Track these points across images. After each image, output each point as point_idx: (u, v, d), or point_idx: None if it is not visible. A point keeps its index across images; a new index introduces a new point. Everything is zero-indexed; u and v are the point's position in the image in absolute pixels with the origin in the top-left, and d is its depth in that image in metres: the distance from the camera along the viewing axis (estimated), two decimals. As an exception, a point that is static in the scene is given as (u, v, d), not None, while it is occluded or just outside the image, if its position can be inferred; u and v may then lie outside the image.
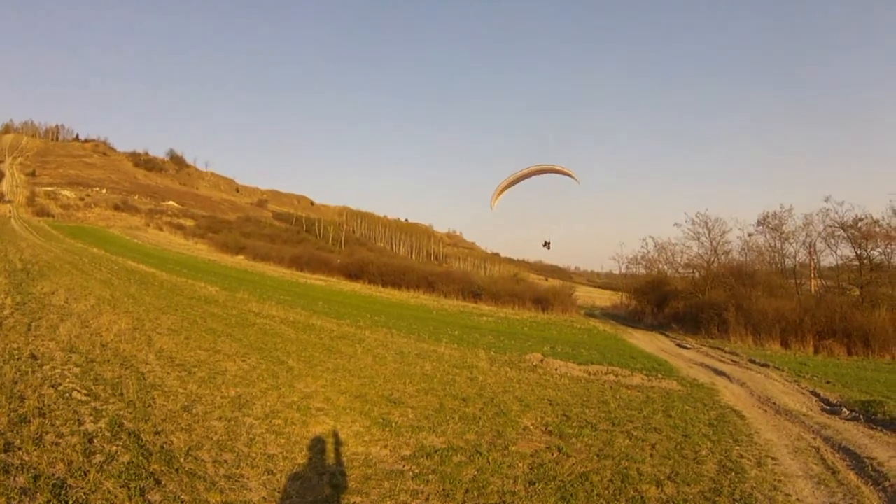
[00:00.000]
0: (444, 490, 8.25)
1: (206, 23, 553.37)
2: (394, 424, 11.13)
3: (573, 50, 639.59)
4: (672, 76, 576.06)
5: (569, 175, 33.44)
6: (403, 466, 9.07)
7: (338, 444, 9.83)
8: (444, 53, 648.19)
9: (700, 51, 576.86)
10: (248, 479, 7.98)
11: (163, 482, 7.36)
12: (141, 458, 7.91)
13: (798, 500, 8.77)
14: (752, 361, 25.35)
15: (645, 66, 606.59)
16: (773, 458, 10.77)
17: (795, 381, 20.26)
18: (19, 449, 7.59)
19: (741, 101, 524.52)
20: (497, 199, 40.00)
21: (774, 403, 16.44)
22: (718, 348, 30.95)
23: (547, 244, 61.35)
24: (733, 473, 9.69)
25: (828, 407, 16.42)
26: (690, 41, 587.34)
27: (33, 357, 12.43)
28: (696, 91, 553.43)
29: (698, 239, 49.03)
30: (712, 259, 47.98)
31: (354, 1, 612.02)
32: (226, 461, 8.41)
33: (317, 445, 9.60)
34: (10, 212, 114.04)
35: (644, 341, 34.54)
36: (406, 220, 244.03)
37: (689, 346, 32.52)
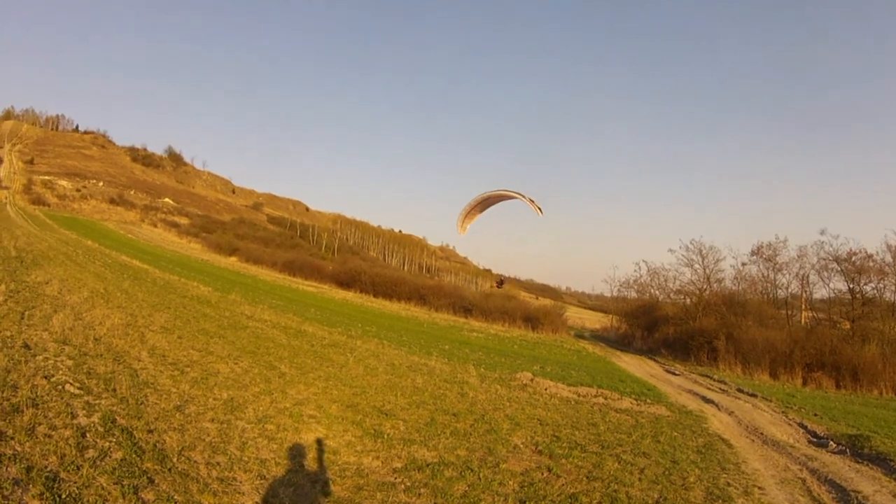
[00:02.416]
0: None
1: (208, 23, 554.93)
2: (385, 436, 11.12)
3: (572, 70, 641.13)
4: (671, 101, 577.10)
5: (532, 206, 33.56)
6: (395, 479, 9.07)
7: (330, 452, 9.81)
8: (444, 67, 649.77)
9: (699, 76, 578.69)
10: (240, 482, 7.98)
11: (156, 481, 7.34)
12: (134, 455, 7.89)
13: (783, 530, 8.75)
14: (741, 391, 25.43)
15: (643, 87, 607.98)
16: (759, 488, 10.81)
17: (783, 413, 20.29)
18: (12, 439, 7.57)
19: (741, 130, 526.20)
20: (463, 224, 40.17)
21: (762, 433, 16.45)
22: (707, 376, 31.00)
23: (500, 282, 61.34)
24: (721, 501, 9.72)
25: (815, 439, 16.47)
26: (689, 65, 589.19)
27: (26, 346, 12.40)
28: (696, 118, 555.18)
29: (691, 266, 49.28)
30: (705, 286, 48.05)
31: (356, 8, 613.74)
32: (218, 463, 8.39)
33: (309, 453, 9.60)
34: (6, 198, 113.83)
35: (633, 365, 34.54)
36: (400, 231, 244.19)
37: (678, 372, 32.51)
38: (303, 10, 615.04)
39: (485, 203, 39.54)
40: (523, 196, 35.08)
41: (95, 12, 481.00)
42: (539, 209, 35.14)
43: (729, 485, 10.78)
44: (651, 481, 10.37)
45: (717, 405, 20.81)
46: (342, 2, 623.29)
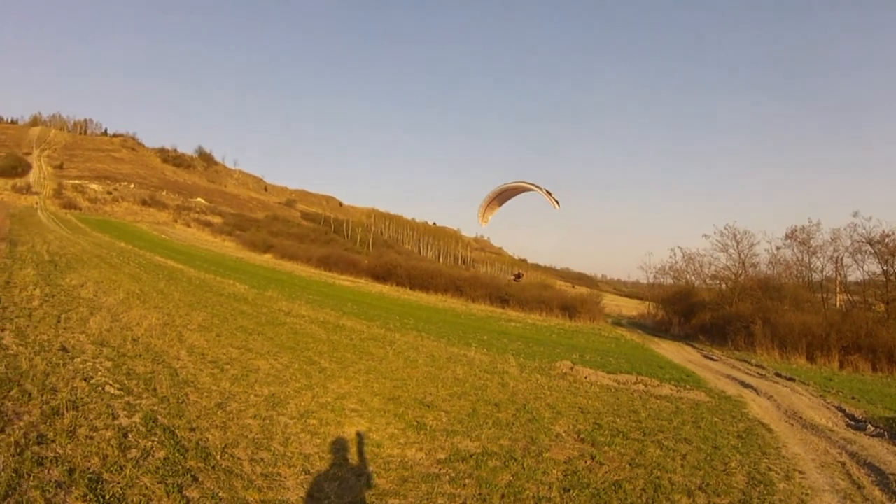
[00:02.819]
0: (480, 494, 8.26)
1: (232, 23, 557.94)
2: (428, 428, 11.13)
3: (597, 58, 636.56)
4: (701, 85, 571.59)
5: (549, 198, 33.39)
6: (439, 470, 9.07)
7: (373, 445, 9.82)
8: (473, 61, 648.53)
9: (729, 62, 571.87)
10: (285, 478, 8.01)
11: (200, 479, 7.40)
12: (177, 454, 7.95)
13: (824, 514, 8.73)
14: (779, 375, 25.19)
15: (670, 76, 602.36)
16: (800, 472, 10.81)
17: (821, 396, 20.14)
18: (53, 441, 7.66)
19: (773, 115, 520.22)
20: (484, 215, 40.06)
21: (801, 417, 16.38)
22: (745, 361, 30.74)
23: (518, 276, 60.83)
24: (762, 486, 9.73)
25: (853, 422, 16.32)
26: (719, 54, 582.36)
27: (64, 349, 12.54)
28: (730, 103, 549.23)
29: (726, 251, 48.69)
30: (740, 271, 47.58)
31: (375, 6, 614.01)
32: (262, 460, 8.44)
33: (353, 447, 9.61)
34: (36, 203, 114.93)
35: (671, 352, 34.30)
36: (434, 223, 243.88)
37: (715, 357, 32.24)
38: (323, 7, 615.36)
39: (504, 195, 39.42)
40: (540, 188, 34.90)
41: (119, 14, 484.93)
42: (556, 202, 34.97)
43: (770, 469, 10.78)
44: (693, 467, 10.39)
45: (755, 390, 20.70)
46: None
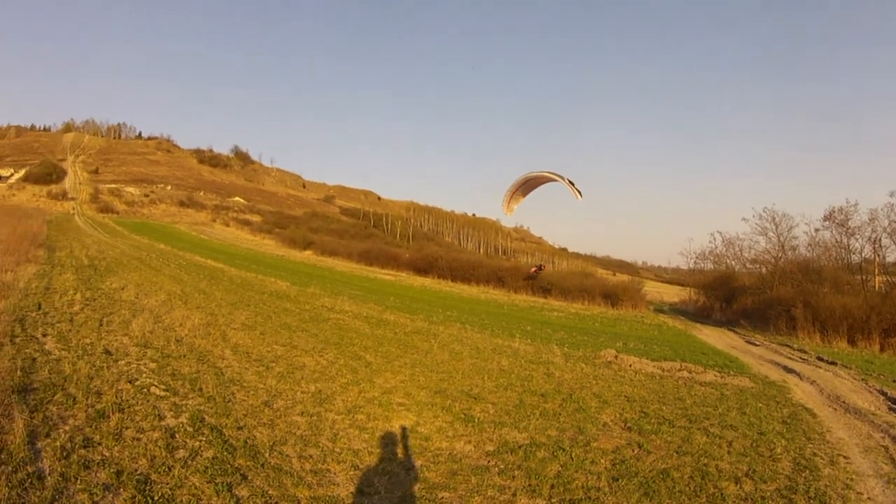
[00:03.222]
0: (529, 485, 8.24)
1: (263, 23, 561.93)
2: (476, 420, 11.14)
3: (633, 42, 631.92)
4: (736, 67, 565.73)
5: (572, 189, 33.14)
6: (488, 462, 9.08)
7: (422, 439, 9.84)
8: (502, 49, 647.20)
9: (765, 39, 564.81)
10: (334, 473, 8.01)
11: (249, 477, 7.43)
12: (225, 453, 8.01)
13: (869, 498, 8.78)
14: (820, 359, 24.93)
15: (707, 55, 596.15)
16: (844, 457, 10.75)
17: (863, 380, 19.85)
18: (99, 444, 7.73)
19: (809, 94, 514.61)
20: (509, 205, 39.89)
21: (844, 402, 16.19)
22: (787, 345, 30.50)
23: (539, 268, 60.25)
24: (808, 471, 9.69)
25: (895, 406, 16.05)
26: (754, 31, 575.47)
27: (107, 352, 12.66)
28: (769, 87, 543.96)
29: (765, 234, 48.33)
30: (779, 255, 47.11)
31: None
32: (311, 456, 8.46)
33: (401, 441, 9.63)
34: (73, 209, 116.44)
35: (713, 337, 34.07)
36: (473, 214, 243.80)
37: (757, 342, 31.99)
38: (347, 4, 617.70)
39: (528, 185, 39.19)
40: (563, 178, 34.68)
41: (148, 16, 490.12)
42: (578, 192, 34.70)
43: (815, 455, 10.72)
44: (739, 454, 10.38)
45: (798, 374, 20.54)
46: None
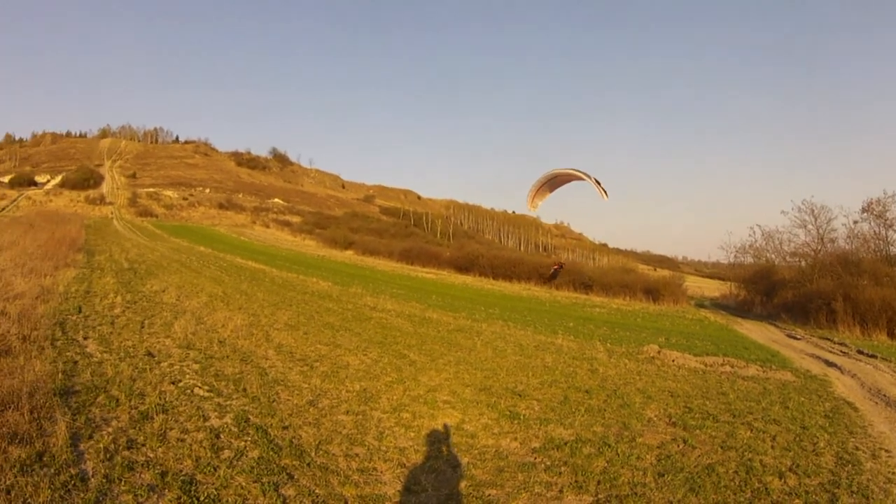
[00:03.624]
0: (576, 482, 8.25)
1: (299, 26, 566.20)
2: (521, 417, 11.16)
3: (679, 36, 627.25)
4: (776, 63, 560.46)
5: (598, 188, 32.91)
6: (535, 459, 9.08)
7: (468, 436, 9.86)
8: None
9: (798, 32, 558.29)
10: (381, 472, 8.03)
11: (295, 476, 7.44)
12: (271, 452, 8.04)
13: (911, 491, 8.75)
14: (861, 352, 24.79)
15: (747, 48, 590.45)
16: (886, 451, 10.75)
17: None
18: (143, 446, 7.79)
19: (842, 85, 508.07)
20: (533, 201, 39.72)
21: (885, 395, 16.14)
22: (827, 338, 30.28)
23: (559, 267, 59.82)
24: (850, 465, 9.70)
25: None
26: (790, 25, 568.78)
27: (150, 354, 12.82)
28: (809, 83, 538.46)
29: (805, 227, 48.00)
30: (819, 247, 46.70)
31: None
32: (357, 455, 8.48)
33: (447, 438, 9.65)
34: (111, 213, 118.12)
35: (755, 332, 33.88)
36: (513, 212, 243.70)
37: (798, 336, 31.82)
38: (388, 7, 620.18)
39: (553, 182, 39.01)
40: (590, 177, 34.46)
41: (184, 22, 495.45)
42: (604, 192, 34.46)
43: (857, 448, 10.75)
44: (783, 448, 10.43)
45: (839, 368, 20.53)
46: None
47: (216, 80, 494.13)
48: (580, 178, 35.55)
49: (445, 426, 10.22)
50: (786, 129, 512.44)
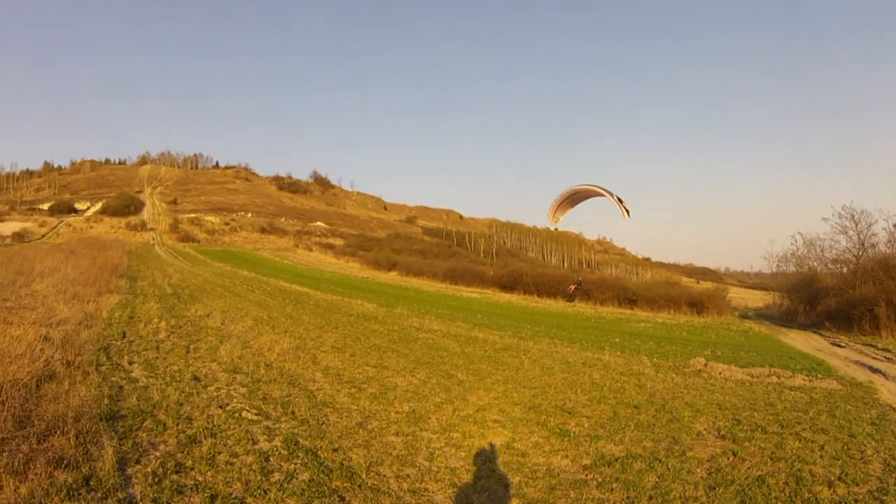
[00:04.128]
0: (628, 498, 8.29)
1: (334, 51, 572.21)
2: (571, 434, 11.17)
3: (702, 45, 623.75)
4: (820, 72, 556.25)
5: (620, 206, 32.79)
6: (586, 476, 9.11)
7: (518, 455, 9.88)
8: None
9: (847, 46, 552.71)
10: (433, 492, 8.05)
11: (347, 499, 7.46)
12: (321, 475, 8.06)
13: (958, 498, 8.77)
14: None
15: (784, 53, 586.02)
16: None
17: None
18: (192, 469, 7.85)
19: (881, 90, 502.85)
20: (555, 216, 39.69)
21: None
22: (871, 345, 30.25)
23: (577, 285, 59.45)
24: None
25: None
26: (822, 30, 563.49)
27: (196, 378, 12.94)
28: (843, 88, 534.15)
29: (846, 232, 47.34)
30: (860, 253, 46.31)
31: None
32: (408, 476, 8.50)
33: (498, 457, 9.67)
34: (153, 239, 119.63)
35: (799, 341, 33.74)
36: (556, 229, 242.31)
37: (842, 344, 31.72)
38: (417, 24, 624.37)
39: (574, 197, 39.10)
40: (612, 195, 34.40)
41: (221, 49, 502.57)
42: (626, 210, 34.42)
43: None
44: (832, 457, 10.50)
45: (884, 374, 20.63)
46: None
47: (257, 106, 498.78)
48: (601, 195, 35.60)
49: (496, 445, 10.24)
50: (822, 132, 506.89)
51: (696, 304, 50.83)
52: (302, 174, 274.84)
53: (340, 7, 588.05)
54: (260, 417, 10.40)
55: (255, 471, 7.89)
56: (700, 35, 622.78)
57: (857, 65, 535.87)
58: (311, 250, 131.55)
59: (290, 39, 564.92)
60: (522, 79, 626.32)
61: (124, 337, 17.32)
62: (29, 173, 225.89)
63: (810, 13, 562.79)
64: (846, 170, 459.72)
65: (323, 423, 10.41)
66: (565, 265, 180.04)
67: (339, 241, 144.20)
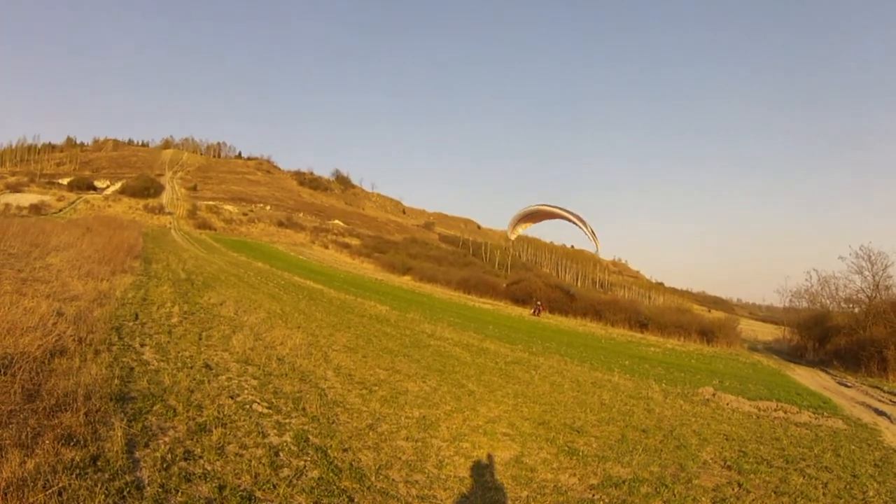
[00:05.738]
0: None
1: (362, 54, 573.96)
2: (580, 453, 11.27)
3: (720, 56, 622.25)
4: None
5: (594, 240, 32.72)
6: (593, 495, 9.19)
7: (527, 470, 9.94)
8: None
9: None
10: (441, 501, 8.09)
11: (356, 500, 7.48)
12: (331, 474, 8.06)
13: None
14: None
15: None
16: None
17: None
18: (200, 458, 7.83)
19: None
20: (514, 230, 39.71)
21: None
22: (877, 387, 30.74)
23: (538, 308, 59.54)
24: None
25: None
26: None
27: (207, 366, 12.90)
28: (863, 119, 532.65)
29: (861, 273, 48.27)
30: (874, 294, 46.51)
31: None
32: (417, 482, 8.52)
33: (507, 471, 9.70)
34: (170, 223, 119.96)
35: (807, 378, 34.34)
36: (572, 246, 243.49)
37: (849, 384, 32.28)
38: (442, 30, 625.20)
39: (538, 215, 39.12)
40: (586, 226, 34.42)
41: (250, 43, 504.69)
42: (597, 243, 34.54)
43: None
44: (834, 496, 10.76)
45: (889, 417, 21.07)
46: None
47: (283, 102, 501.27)
48: (569, 219, 35.53)
49: (505, 458, 10.28)
50: (845, 166, 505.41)
51: (707, 333, 51.63)
52: (323, 171, 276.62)
53: (372, 11, 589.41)
54: (270, 411, 10.38)
55: (264, 464, 7.88)
56: (733, 64, 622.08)
57: (886, 100, 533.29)
58: (326, 248, 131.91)
59: (326, 41, 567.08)
60: (541, 92, 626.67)
61: (137, 318, 17.28)
62: (51, 147, 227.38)
63: (839, 51, 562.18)
64: (867, 206, 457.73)
65: (333, 423, 10.40)
66: (578, 283, 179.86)
67: (355, 241, 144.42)
